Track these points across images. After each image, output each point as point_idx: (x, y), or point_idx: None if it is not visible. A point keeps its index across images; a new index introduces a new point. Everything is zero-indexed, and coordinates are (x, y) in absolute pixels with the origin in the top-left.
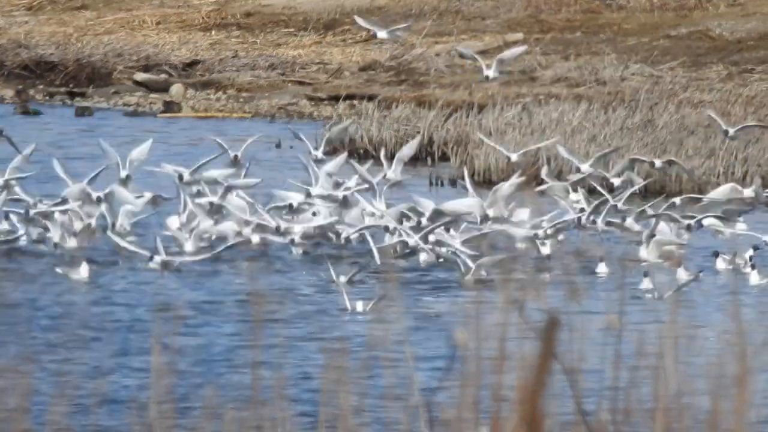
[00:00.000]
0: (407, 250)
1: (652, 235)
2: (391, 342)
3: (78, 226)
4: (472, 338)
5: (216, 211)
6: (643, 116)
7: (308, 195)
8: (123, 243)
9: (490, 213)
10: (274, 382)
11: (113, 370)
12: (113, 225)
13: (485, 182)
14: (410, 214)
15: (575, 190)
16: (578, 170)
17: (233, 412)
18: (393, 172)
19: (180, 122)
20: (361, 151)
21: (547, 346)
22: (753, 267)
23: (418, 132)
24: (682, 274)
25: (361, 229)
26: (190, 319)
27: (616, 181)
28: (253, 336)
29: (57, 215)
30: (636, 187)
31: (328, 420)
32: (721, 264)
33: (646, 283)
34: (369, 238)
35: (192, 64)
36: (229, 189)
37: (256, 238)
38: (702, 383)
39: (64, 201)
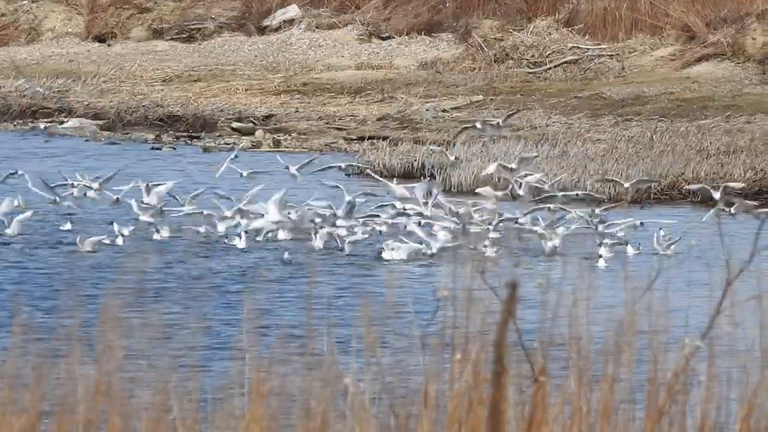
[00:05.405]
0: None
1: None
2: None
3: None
4: (450, 294)
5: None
6: (560, 149)
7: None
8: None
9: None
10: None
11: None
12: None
13: (459, 193)
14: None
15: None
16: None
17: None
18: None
19: (262, 155)
20: (377, 174)
21: (508, 305)
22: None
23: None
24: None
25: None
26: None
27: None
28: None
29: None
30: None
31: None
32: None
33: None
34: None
35: (269, 117)
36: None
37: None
38: (604, 324)
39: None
